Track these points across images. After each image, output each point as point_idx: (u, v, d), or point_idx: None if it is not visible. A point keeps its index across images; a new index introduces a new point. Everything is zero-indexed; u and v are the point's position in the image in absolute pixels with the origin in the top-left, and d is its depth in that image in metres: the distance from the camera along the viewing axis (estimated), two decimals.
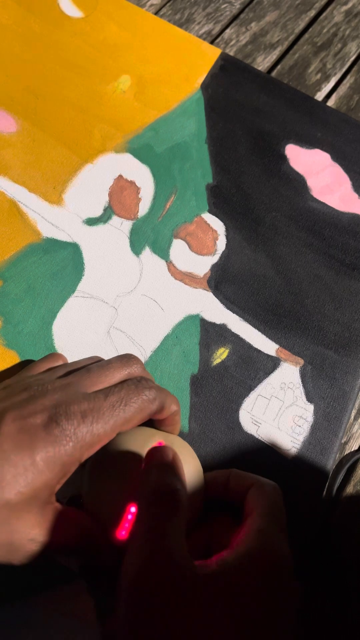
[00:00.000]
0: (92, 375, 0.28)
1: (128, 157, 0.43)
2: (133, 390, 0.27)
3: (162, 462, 0.27)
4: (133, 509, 0.27)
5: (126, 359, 0.30)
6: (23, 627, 0.28)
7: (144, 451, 0.29)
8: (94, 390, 0.27)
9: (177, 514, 0.24)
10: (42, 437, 0.25)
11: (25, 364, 0.35)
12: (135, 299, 0.38)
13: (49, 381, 0.28)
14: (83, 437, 0.25)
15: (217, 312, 0.39)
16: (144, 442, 0.30)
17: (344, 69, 0.54)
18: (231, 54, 0.53)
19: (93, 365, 0.30)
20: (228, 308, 0.39)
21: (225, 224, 0.42)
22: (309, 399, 0.37)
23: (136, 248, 0.40)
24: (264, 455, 0.35)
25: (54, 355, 0.33)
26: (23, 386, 0.28)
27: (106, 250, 0.40)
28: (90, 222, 0.40)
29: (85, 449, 0.25)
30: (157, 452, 0.28)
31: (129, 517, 0.27)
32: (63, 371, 0.30)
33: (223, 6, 0.55)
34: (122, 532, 0.27)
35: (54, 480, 0.25)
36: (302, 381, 0.38)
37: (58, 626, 0.28)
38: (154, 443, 0.30)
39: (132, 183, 0.42)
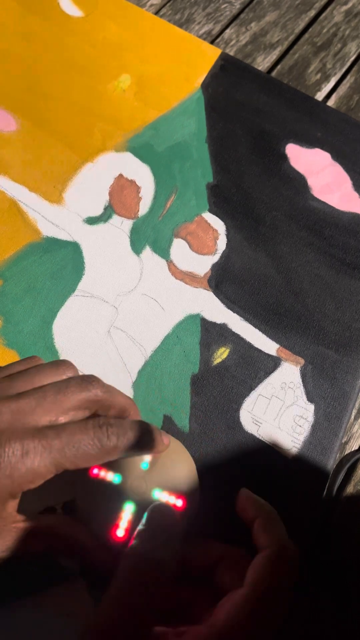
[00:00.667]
0: (47, 399, 0.26)
1: (128, 156, 0.43)
2: (91, 436, 0.26)
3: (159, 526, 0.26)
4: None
5: (86, 382, 0.28)
6: (23, 627, 0.28)
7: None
8: (44, 426, 0.26)
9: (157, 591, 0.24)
10: None
11: None
12: (135, 299, 0.38)
13: (1, 398, 0.27)
14: (20, 473, 0.24)
15: (217, 311, 0.39)
16: None
17: (344, 69, 0.54)
18: (231, 54, 0.53)
19: (49, 386, 0.27)
20: (228, 307, 0.39)
21: (225, 224, 0.42)
22: (310, 398, 0.37)
23: (136, 247, 0.40)
24: (265, 455, 0.35)
25: (30, 358, 0.32)
26: None
27: (106, 249, 0.40)
28: (91, 221, 0.40)
29: (24, 484, 0.24)
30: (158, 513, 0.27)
31: (127, 516, 0.27)
32: (8, 376, 0.28)
33: (223, 6, 0.55)
34: (120, 531, 0.27)
35: None
36: (303, 381, 0.38)
37: (58, 626, 0.28)
38: None
39: (132, 182, 0.42)
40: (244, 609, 0.23)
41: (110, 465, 0.29)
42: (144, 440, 0.28)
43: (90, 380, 0.28)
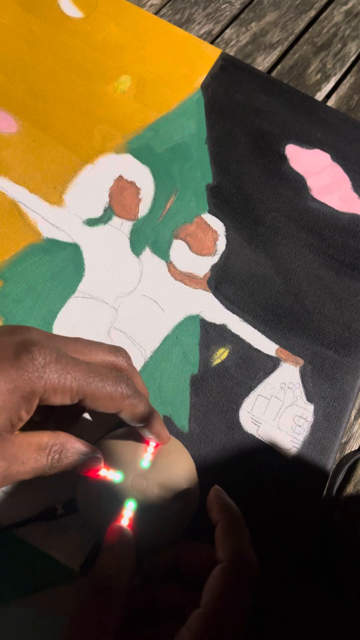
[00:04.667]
0: (79, 342, 0.28)
1: (128, 158, 0.43)
2: (113, 376, 0.27)
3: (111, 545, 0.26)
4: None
5: (116, 348, 0.30)
6: (23, 626, 0.28)
7: (136, 452, 0.30)
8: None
9: (111, 607, 0.24)
10: (9, 361, 0.24)
11: None
12: (135, 300, 0.38)
13: (35, 328, 0.28)
14: (50, 375, 0.25)
15: (217, 312, 0.39)
16: (136, 441, 0.30)
17: (344, 69, 0.54)
18: (231, 54, 0.53)
19: (83, 338, 0.29)
20: (228, 308, 0.39)
21: (225, 224, 0.42)
22: (309, 398, 0.37)
23: (136, 248, 0.40)
24: (264, 455, 0.35)
25: None
26: (8, 328, 0.27)
27: (106, 250, 0.40)
28: (91, 222, 0.40)
29: (48, 389, 0.25)
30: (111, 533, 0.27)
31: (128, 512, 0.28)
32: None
33: (223, 6, 0.56)
34: None
35: (12, 407, 0.24)
36: (302, 381, 0.38)
37: (58, 626, 0.28)
38: (146, 444, 0.30)
39: (132, 183, 0.42)
40: (201, 635, 0.23)
41: (111, 464, 0.29)
42: (151, 415, 0.29)
43: (120, 349, 0.30)
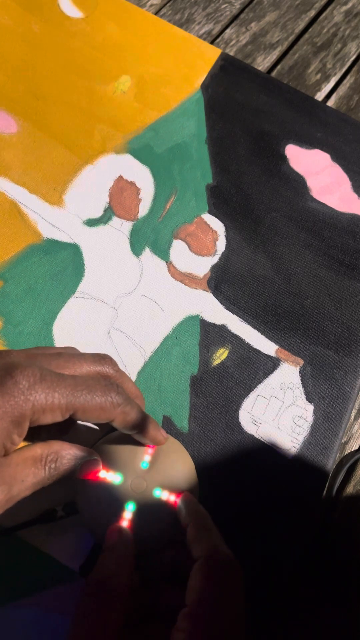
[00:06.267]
0: (61, 357, 0.28)
1: (128, 158, 0.43)
2: (102, 386, 0.27)
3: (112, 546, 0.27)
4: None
5: (100, 356, 0.30)
6: (23, 626, 0.28)
7: (135, 453, 0.30)
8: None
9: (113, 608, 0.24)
10: None
11: None
12: (135, 300, 0.38)
13: (15, 350, 0.28)
14: (36, 396, 0.24)
15: (216, 312, 0.39)
16: (134, 443, 0.30)
17: (344, 69, 0.54)
18: (231, 54, 0.53)
19: (65, 351, 0.29)
20: (228, 309, 0.39)
21: (225, 225, 0.42)
22: (309, 399, 0.37)
23: (136, 249, 0.40)
24: (264, 455, 0.35)
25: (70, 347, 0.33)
26: None
27: (106, 251, 0.40)
28: (91, 223, 0.40)
29: (37, 411, 0.25)
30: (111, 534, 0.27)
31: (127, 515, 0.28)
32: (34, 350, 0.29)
33: (223, 6, 0.56)
34: None
35: (3, 432, 0.24)
36: (302, 381, 0.38)
37: (58, 626, 0.28)
38: (144, 446, 0.30)
39: (132, 184, 0.42)
40: (192, 633, 0.23)
41: (110, 466, 0.29)
42: (144, 421, 0.29)
43: (104, 356, 0.30)
